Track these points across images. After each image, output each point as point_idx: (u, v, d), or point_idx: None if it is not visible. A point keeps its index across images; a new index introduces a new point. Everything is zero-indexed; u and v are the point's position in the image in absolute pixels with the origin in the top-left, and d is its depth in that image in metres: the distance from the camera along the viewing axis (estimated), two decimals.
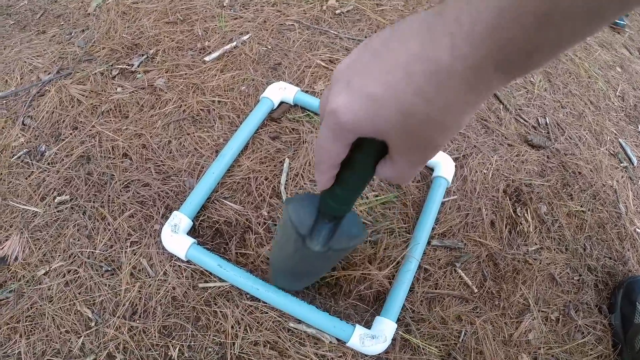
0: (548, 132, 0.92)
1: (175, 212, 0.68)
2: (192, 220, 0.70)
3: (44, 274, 0.68)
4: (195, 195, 0.71)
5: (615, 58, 1.16)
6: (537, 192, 0.83)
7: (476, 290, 0.71)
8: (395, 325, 0.62)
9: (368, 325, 0.63)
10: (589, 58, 1.12)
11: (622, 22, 1.33)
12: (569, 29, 0.22)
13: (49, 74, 0.88)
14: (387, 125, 0.28)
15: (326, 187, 0.37)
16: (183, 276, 0.67)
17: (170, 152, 0.78)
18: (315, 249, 0.42)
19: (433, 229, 0.75)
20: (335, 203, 0.39)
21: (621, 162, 0.95)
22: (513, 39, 0.23)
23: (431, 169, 0.81)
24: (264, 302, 0.65)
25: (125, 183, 0.75)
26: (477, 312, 0.70)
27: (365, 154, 0.33)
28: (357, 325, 0.62)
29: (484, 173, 0.82)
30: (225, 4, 1.01)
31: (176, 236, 0.67)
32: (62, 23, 0.98)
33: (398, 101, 0.26)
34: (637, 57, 1.23)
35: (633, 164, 0.98)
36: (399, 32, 0.27)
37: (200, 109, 0.82)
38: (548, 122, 0.94)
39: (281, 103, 0.86)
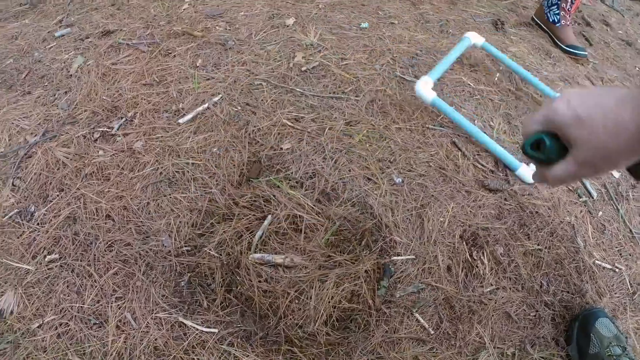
0: (506, 175, 1.04)
1: None
2: None
3: (37, 327, 0.81)
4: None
5: None
6: (494, 235, 0.95)
7: (432, 332, 0.83)
8: None
9: None
10: None
11: (583, 53, 1.39)
12: None
13: (35, 136, 1.01)
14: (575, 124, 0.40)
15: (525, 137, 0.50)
16: (164, 328, 0.79)
17: (149, 213, 0.90)
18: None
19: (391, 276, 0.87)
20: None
21: (580, 197, 1.07)
22: None
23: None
24: (237, 349, 0.77)
25: (109, 243, 0.87)
26: (434, 352, 0.82)
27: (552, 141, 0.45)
28: None
29: (441, 221, 0.94)
30: (198, 65, 1.14)
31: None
32: (46, 84, 1.10)
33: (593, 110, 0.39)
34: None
35: (593, 198, 1.09)
36: (609, 87, 0.42)
37: (176, 171, 0.95)
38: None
39: (255, 161, 0.97)
